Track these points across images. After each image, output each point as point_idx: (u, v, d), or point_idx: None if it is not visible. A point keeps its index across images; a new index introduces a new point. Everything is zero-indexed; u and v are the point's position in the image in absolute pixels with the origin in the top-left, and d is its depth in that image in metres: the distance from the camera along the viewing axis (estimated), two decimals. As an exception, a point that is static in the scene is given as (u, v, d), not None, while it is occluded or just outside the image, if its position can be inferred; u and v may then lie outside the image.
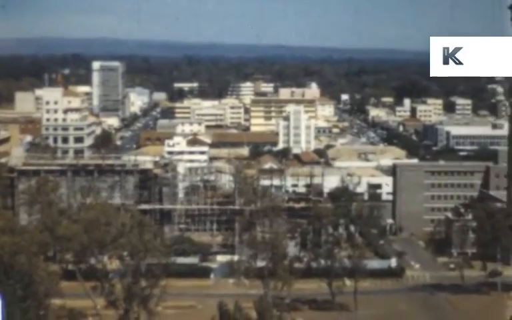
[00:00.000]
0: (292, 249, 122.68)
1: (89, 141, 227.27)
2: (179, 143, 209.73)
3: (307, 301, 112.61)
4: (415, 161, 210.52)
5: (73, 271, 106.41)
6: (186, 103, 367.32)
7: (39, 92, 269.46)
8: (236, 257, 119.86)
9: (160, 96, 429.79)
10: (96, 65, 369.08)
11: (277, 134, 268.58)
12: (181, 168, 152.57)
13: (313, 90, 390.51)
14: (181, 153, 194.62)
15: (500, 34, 36.48)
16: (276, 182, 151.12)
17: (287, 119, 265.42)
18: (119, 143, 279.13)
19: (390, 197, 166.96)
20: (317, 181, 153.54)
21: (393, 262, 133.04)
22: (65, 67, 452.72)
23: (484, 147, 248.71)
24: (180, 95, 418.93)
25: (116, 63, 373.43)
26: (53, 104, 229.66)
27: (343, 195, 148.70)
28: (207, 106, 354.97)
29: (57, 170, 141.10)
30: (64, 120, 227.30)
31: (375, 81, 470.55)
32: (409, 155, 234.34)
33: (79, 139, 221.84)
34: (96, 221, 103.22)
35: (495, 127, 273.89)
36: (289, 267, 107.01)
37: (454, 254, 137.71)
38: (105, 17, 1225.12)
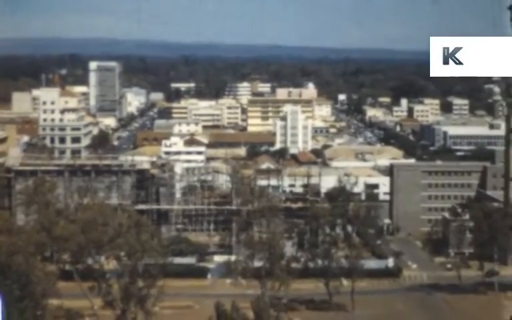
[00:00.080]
0: (289, 249, 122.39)
1: (86, 141, 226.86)
2: (176, 143, 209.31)
3: (304, 301, 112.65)
4: (412, 161, 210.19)
5: (70, 271, 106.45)
6: (183, 103, 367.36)
7: (35, 92, 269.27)
8: (233, 257, 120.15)
9: (157, 96, 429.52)
10: (93, 65, 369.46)
11: (274, 134, 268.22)
12: (178, 168, 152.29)
13: (310, 90, 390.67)
14: (178, 153, 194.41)
15: (500, 34, 36.51)
16: (273, 182, 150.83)
17: (284, 119, 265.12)
18: (116, 143, 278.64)
19: (387, 197, 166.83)
20: (314, 181, 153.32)
21: (390, 262, 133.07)
22: (61, 67, 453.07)
23: (481, 147, 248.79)
24: (177, 95, 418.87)
25: (113, 63, 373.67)
26: (49, 104, 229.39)
27: (340, 195, 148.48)
28: (203, 106, 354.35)
29: (54, 170, 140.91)
30: (61, 120, 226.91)
31: (372, 81, 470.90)
32: (406, 155, 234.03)
33: (76, 139, 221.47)
34: (93, 221, 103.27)
35: (492, 127, 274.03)
36: (286, 267, 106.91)
37: (451, 254, 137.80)
38: (102, 17, 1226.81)
